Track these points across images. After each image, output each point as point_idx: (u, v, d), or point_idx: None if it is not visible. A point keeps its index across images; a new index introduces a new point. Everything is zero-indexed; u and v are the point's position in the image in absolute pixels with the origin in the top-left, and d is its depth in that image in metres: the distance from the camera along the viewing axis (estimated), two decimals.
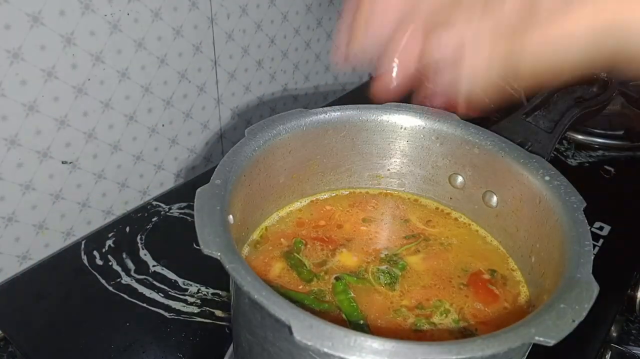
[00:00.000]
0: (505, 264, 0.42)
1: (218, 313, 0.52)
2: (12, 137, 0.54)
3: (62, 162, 0.59)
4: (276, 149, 0.42)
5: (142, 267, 0.56)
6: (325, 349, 0.26)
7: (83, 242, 0.58)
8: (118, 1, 0.56)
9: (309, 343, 0.26)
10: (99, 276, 0.55)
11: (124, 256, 0.57)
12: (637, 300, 0.56)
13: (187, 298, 0.53)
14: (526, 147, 0.50)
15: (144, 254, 0.57)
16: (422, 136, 0.45)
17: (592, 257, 0.33)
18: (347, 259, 0.42)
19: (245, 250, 0.42)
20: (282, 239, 0.43)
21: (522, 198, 0.41)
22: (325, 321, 0.27)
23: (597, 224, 0.62)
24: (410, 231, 0.45)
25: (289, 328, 0.26)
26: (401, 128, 0.45)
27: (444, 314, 0.38)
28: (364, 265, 0.42)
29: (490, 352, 0.26)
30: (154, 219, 0.62)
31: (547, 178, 0.39)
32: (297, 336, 0.26)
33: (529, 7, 0.30)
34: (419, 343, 0.27)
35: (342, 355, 0.26)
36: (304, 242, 0.43)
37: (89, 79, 0.57)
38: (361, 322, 0.37)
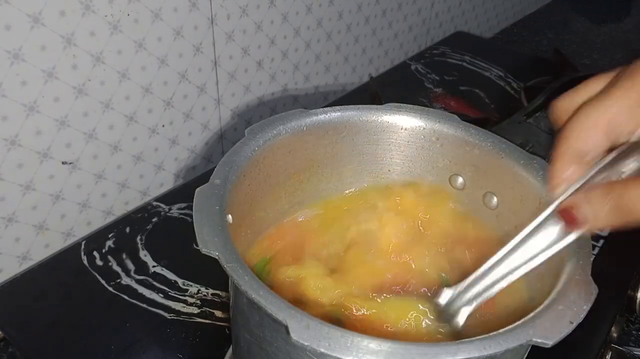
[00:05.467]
0: None
1: (218, 313, 0.52)
2: (12, 137, 0.54)
3: (63, 163, 0.59)
4: (276, 149, 0.42)
5: (142, 267, 0.56)
6: (322, 350, 0.26)
7: (83, 242, 0.58)
8: (118, 2, 0.57)
9: (306, 343, 0.26)
10: (99, 277, 0.55)
11: (124, 256, 0.57)
12: (638, 301, 0.56)
13: (187, 298, 0.53)
14: (527, 148, 0.51)
15: (144, 255, 0.58)
16: (422, 136, 0.45)
17: (592, 259, 0.33)
18: None
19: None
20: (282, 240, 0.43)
21: (522, 199, 0.41)
22: (322, 321, 0.27)
23: None
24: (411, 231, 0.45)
25: (286, 328, 0.26)
26: (401, 129, 0.45)
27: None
28: None
29: (488, 353, 0.26)
30: (154, 220, 0.62)
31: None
32: (294, 336, 0.26)
33: None
34: (416, 343, 0.27)
35: (339, 355, 0.26)
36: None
37: (89, 80, 0.58)
38: None
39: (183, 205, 0.64)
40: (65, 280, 0.55)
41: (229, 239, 0.32)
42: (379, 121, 0.45)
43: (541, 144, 0.59)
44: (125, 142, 0.64)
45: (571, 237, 0.32)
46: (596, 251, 0.59)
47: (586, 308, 0.29)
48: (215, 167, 0.37)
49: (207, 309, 0.53)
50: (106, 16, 0.56)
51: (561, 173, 0.33)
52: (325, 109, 0.44)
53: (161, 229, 0.61)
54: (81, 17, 0.54)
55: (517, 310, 0.39)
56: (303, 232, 0.44)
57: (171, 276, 0.55)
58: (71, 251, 0.58)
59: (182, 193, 0.66)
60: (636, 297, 0.56)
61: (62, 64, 0.55)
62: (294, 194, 0.45)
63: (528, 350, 0.33)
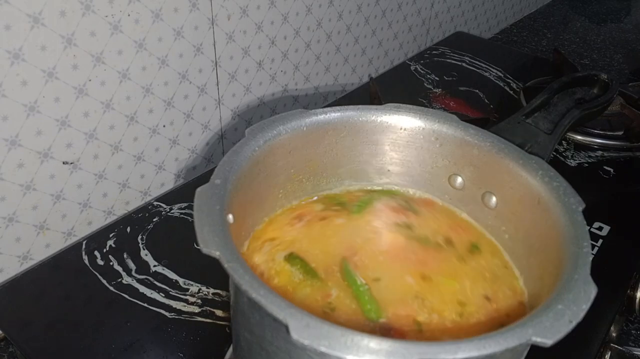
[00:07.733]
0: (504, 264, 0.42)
1: (219, 312, 0.52)
2: (12, 137, 0.54)
3: (63, 163, 0.59)
4: (276, 149, 0.42)
5: (143, 267, 0.56)
6: (322, 349, 0.26)
7: (84, 242, 0.58)
8: (119, 2, 0.57)
9: (306, 342, 0.26)
10: (99, 276, 0.55)
11: (125, 256, 0.57)
12: (637, 300, 0.56)
13: (188, 297, 0.54)
14: (526, 148, 0.51)
15: (145, 254, 0.58)
16: (421, 136, 0.45)
17: (591, 259, 0.33)
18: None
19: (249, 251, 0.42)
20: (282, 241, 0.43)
21: (521, 199, 0.41)
22: (322, 320, 0.27)
23: (597, 225, 0.62)
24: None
25: (286, 327, 0.26)
26: (401, 129, 0.45)
27: None
28: None
29: (487, 352, 0.26)
30: (154, 220, 0.62)
31: (546, 179, 0.39)
32: (294, 335, 0.26)
33: None
34: (416, 342, 0.27)
35: (339, 354, 0.26)
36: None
37: (90, 80, 0.58)
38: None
39: (184, 205, 0.64)
40: (66, 280, 0.55)
41: (229, 239, 0.32)
42: (378, 121, 0.45)
43: (540, 144, 0.59)
44: (126, 143, 0.64)
45: None
46: (596, 250, 0.59)
47: (585, 307, 0.29)
48: (215, 167, 0.37)
49: (208, 308, 0.53)
50: (106, 16, 0.56)
51: None
52: (325, 109, 0.44)
53: (162, 228, 0.61)
54: (81, 17, 0.54)
55: (516, 309, 0.39)
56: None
57: (172, 275, 0.56)
58: (72, 251, 0.58)
59: (183, 193, 0.66)
60: (636, 297, 0.56)
61: (62, 64, 0.55)
62: (294, 194, 0.46)
63: (527, 349, 0.33)
